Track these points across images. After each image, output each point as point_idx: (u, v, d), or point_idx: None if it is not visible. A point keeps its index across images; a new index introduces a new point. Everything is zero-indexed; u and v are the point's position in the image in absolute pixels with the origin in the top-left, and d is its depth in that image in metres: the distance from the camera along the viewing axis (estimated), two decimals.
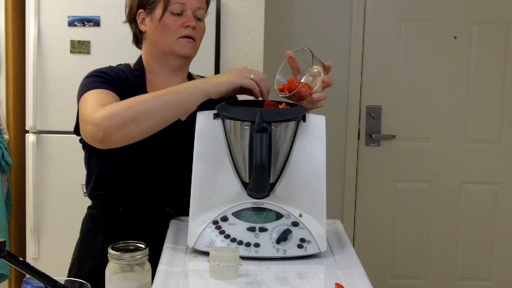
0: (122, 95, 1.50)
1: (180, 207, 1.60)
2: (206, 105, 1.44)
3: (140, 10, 1.64)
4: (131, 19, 1.68)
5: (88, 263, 1.65)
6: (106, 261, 1.28)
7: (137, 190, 1.62)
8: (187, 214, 1.35)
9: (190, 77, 1.74)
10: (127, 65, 1.71)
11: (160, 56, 1.66)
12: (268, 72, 3.01)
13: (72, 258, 1.73)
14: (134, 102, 1.38)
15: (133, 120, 1.36)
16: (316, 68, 1.42)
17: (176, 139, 1.61)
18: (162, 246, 1.34)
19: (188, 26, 1.60)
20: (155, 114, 1.37)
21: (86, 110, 1.45)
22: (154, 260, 1.28)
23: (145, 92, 1.58)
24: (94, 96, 1.49)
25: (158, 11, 1.60)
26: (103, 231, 1.65)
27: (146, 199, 1.63)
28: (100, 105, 1.43)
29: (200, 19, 1.64)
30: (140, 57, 1.71)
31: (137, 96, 1.42)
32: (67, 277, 1.64)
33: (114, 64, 1.73)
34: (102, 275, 1.29)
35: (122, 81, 1.61)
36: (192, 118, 1.56)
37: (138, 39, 1.71)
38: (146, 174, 1.61)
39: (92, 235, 1.68)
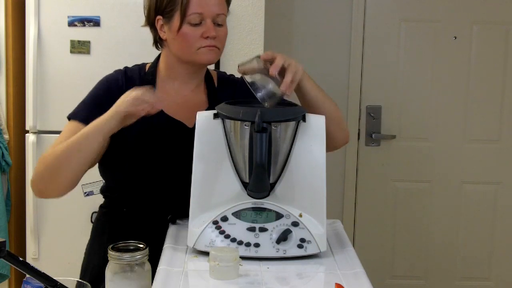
0: None
1: (182, 212, 1.60)
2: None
3: (159, 17, 1.58)
4: (150, 23, 1.62)
5: (94, 262, 1.67)
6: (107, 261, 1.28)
7: (143, 195, 1.63)
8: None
9: (208, 75, 1.71)
10: (142, 68, 1.68)
11: (180, 63, 1.62)
12: None
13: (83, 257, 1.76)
14: (49, 159, 1.49)
15: (54, 175, 1.50)
16: (262, 69, 1.40)
17: (182, 146, 1.59)
18: (162, 246, 1.34)
19: (208, 37, 1.54)
20: (69, 162, 1.48)
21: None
22: (154, 260, 1.28)
23: None
24: (61, 135, 1.57)
25: (176, 21, 1.54)
26: (108, 231, 1.66)
27: (151, 204, 1.63)
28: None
29: (220, 25, 1.57)
30: (157, 59, 1.67)
31: (52, 150, 1.50)
32: (80, 275, 1.69)
33: (115, 64, 1.73)
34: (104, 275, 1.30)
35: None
36: None
37: (158, 44, 1.66)
38: (152, 180, 1.61)
39: (98, 234, 1.70)
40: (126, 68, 1.68)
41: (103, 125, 1.45)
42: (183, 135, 1.58)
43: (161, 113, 1.58)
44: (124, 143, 1.58)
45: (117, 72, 1.66)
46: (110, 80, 1.64)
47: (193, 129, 1.60)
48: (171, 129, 1.60)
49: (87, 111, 1.59)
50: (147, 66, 1.68)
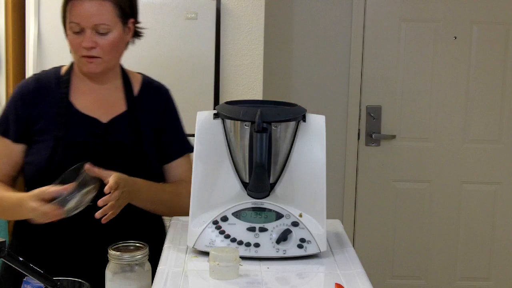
0: (36, 112, 1.59)
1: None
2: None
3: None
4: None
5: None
6: None
7: None
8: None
9: (125, 75, 1.70)
10: (58, 70, 1.70)
11: None
12: (268, 72, 3.01)
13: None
14: None
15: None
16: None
17: (99, 142, 1.59)
18: (162, 246, 1.35)
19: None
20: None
21: None
22: (154, 260, 1.28)
23: (67, 102, 1.61)
24: None
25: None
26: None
27: None
28: None
29: (104, 34, 1.56)
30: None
31: None
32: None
33: None
34: None
35: (40, 98, 1.62)
36: (115, 121, 1.59)
37: None
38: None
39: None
40: (40, 72, 1.71)
41: (16, 215, 1.58)
42: (97, 131, 1.59)
43: (75, 111, 1.60)
44: (41, 146, 1.59)
45: (29, 78, 1.70)
46: (21, 88, 1.68)
47: (107, 124, 1.60)
48: (85, 125, 1.60)
49: (7, 124, 1.64)
50: (64, 68, 1.70)
